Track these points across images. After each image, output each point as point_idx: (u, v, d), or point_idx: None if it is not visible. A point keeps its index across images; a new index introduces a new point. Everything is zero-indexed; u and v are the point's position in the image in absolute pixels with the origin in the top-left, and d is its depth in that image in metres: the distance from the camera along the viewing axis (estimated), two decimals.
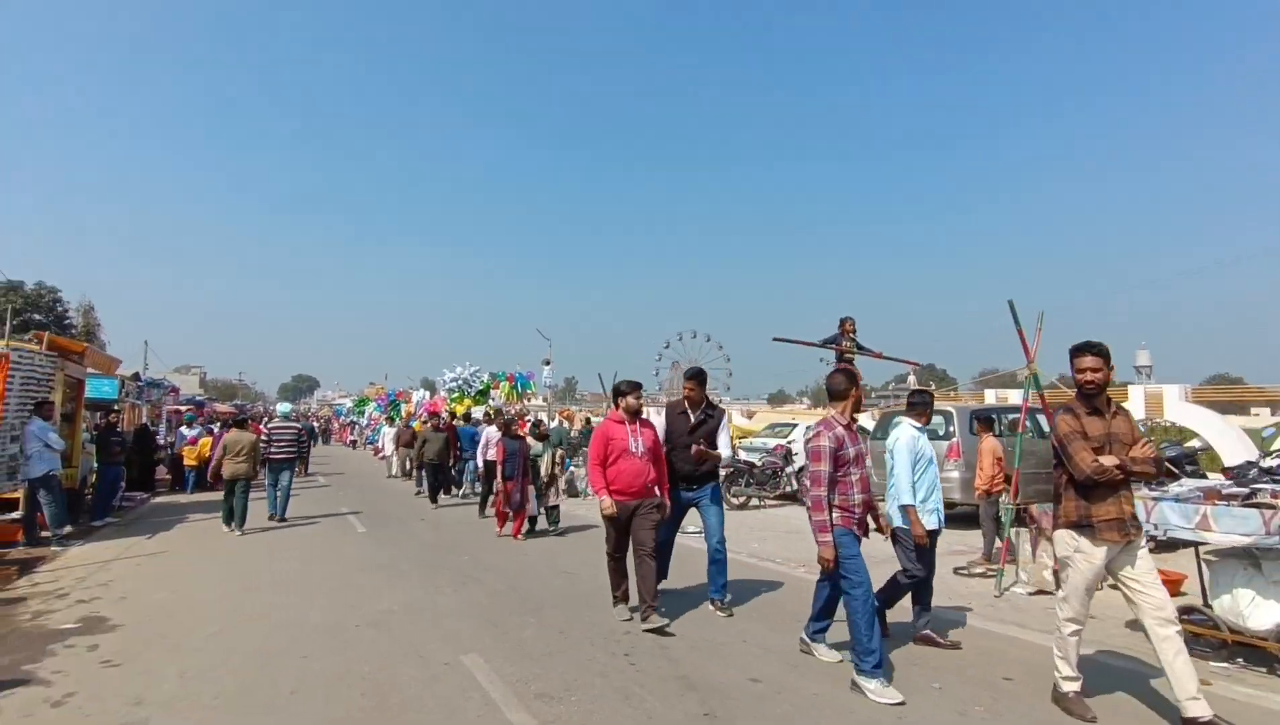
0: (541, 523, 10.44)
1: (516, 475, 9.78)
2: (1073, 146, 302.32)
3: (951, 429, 10.97)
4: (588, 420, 23.22)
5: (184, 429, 15.25)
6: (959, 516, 11.32)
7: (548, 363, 31.35)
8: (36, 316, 32.68)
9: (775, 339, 13.94)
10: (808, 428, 11.95)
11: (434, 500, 13.89)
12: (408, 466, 17.20)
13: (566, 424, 27.29)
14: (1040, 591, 6.94)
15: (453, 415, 17.47)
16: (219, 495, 11.20)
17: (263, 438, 11.54)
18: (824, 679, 4.48)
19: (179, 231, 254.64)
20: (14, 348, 9.60)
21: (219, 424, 18.18)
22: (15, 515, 9.64)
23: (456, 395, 21.40)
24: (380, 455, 19.32)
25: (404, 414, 30.54)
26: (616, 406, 5.94)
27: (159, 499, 14.92)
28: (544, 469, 10.29)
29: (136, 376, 17.52)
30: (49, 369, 10.59)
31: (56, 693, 4.30)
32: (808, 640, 4.93)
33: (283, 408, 14.28)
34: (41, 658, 4.97)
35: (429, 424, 14.57)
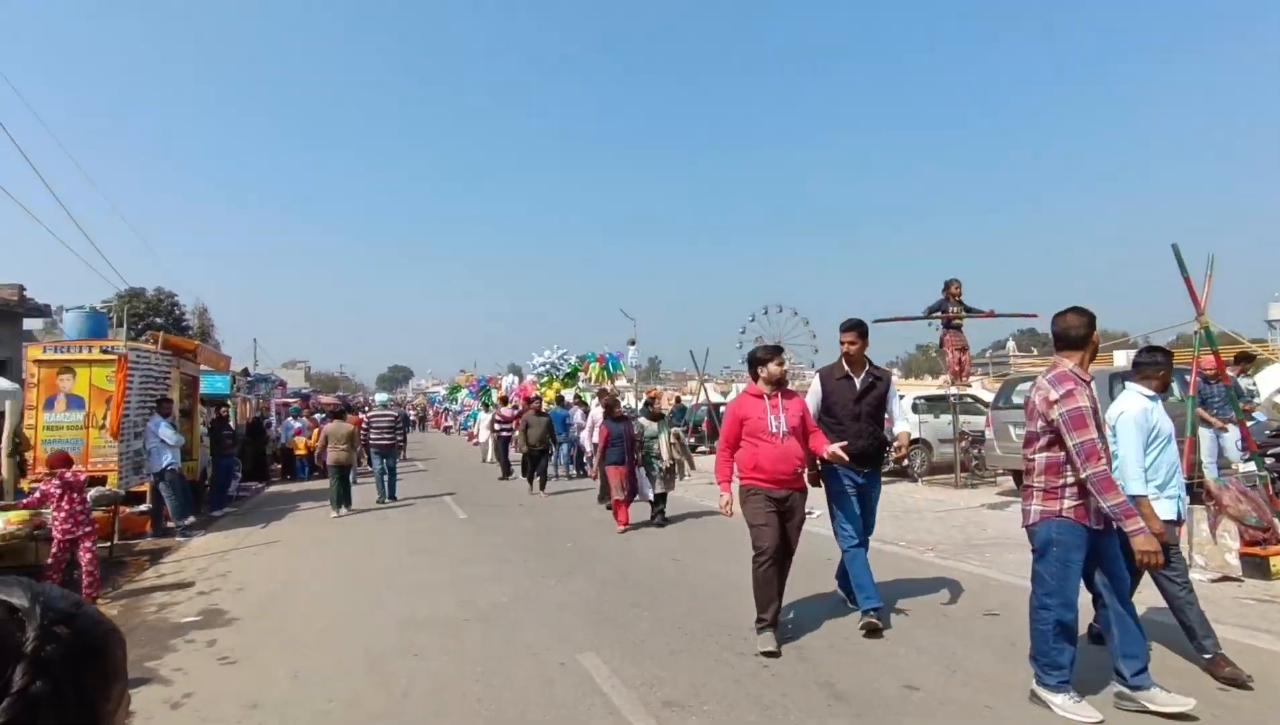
0: (643, 513, 9.42)
1: (625, 461, 9.11)
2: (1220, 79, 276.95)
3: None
4: (678, 399, 22.85)
5: (290, 421, 15.79)
6: None
7: (633, 343, 31.15)
8: (157, 320, 35.08)
9: (877, 321, 13.02)
10: (1019, 387, 10.93)
11: (540, 487, 12.75)
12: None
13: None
14: (1224, 578, 5.99)
15: (535, 399, 17.35)
16: (327, 483, 11.54)
17: (362, 426, 12.28)
18: (993, 689, 3.85)
19: (283, 236, 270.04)
20: (132, 348, 9.97)
21: (323, 415, 18.98)
22: (143, 507, 10.08)
23: (545, 379, 21.38)
24: (475, 441, 19.55)
25: (496, 399, 31.21)
26: (755, 377, 4.84)
27: (272, 488, 15.54)
28: (664, 453, 9.32)
29: (246, 372, 18.34)
30: (165, 368, 11.01)
31: (176, 693, 4.22)
32: (1129, 692, 3.47)
33: (380, 397, 15.30)
34: (163, 654, 4.96)
35: (530, 408, 14.14)
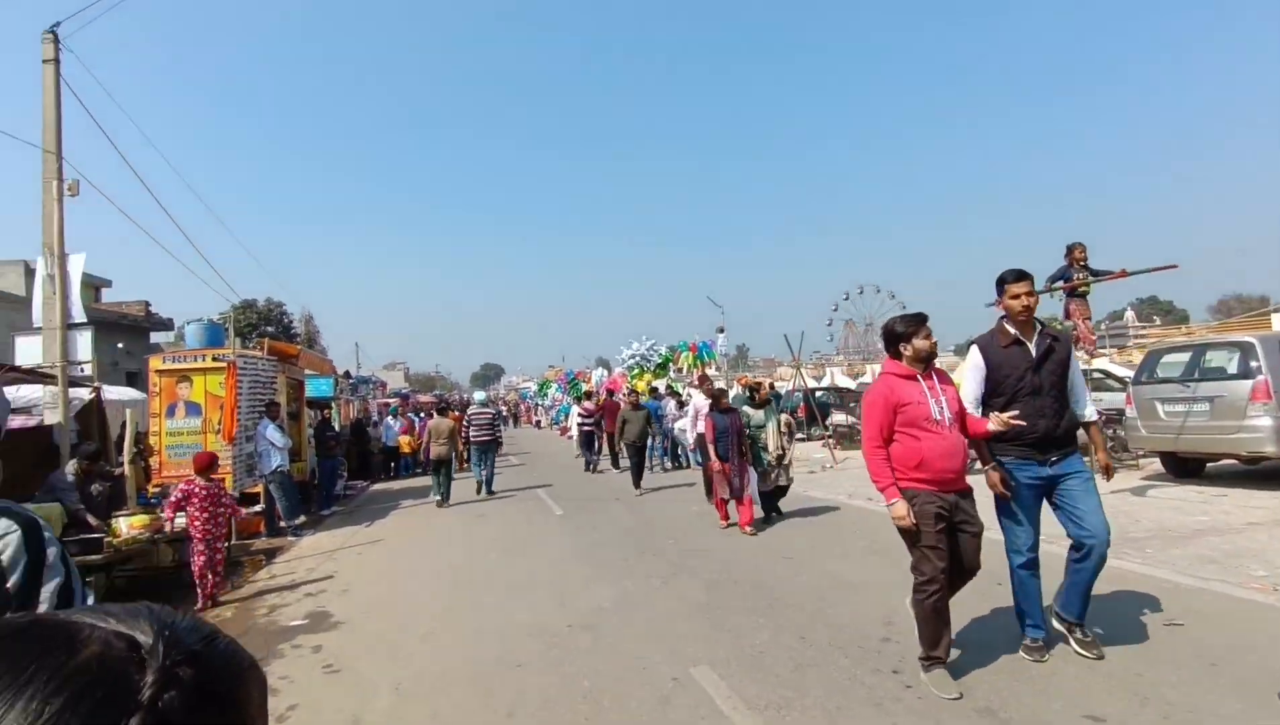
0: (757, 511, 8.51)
1: (732, 455, 8.19)
2: None
3: (1255, 364, 8.58)
4: (771, 386, 22.17)
5: (390, 420, 16.17)
6: (1267, 473, 8.99)
7: (721, 331, 30.49)
8: (268, 328, 37.21)
9: (988, 306, 11.96)
10: (1164, 359, 9.91)
11: (637, 485, 12.01)
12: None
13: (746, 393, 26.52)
14: None
15: (631, 392, 17.11)
16: (427, 480, 11.74)
17: (463, 423, 13.08)
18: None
19: (381, 247, 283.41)
20: (240, 355, 10.32)
21: (418, 416, 19.57)
22: (257, 508, 10.44)
23: (636, 371, 21.12)
24: (567, 434, 19.57)
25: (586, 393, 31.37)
26: (897, 355, 3.90)
27: (376, 486, 15.98)
28: (771, 443, 8.46)
29: (348, 374, 19.01)
30: (271, 372, 11.37)
31: (280, 704, 4.10)
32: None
33: (479, 396, 15.54)
34: (271, 660, 4.90)
35: (628, 402, 13.68)
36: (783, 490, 8.75)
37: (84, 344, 9.19)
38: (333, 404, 16.30)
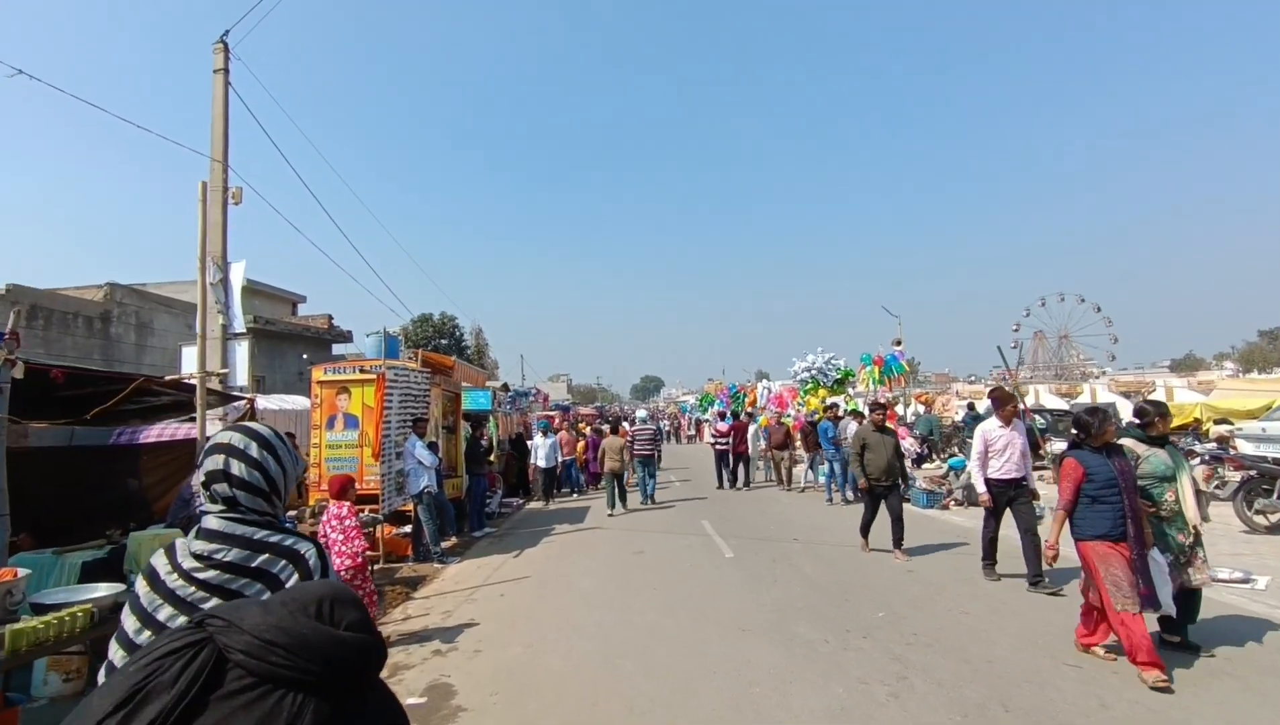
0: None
1: (1129, 530, 4.58)
2: None
3: None
4: (971, 406, 19.09)
5: (538, 438, 15.28)
6: None
7: (898, 343, 27.45)
8: (442, 341, 39.09)
9: None
10: None
11: (865, 534, 8.88)
12: (781, 473, 15.54)
13: (925, 410, 23.27)
14: None
15: (877, 408, 15.16)
16: (583, 503, 10.69)
17: (628, 439, 13.70)
18: None
19: (549, 262, 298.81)
20: (390, 367, 9.77)
21: (580, 427, 18.90)
22: (406, 529, 9.83)
23: (810, 386, 19.04)
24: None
25: (714, 413, 29.38)
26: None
27: (533, 504, 15.23)
28: (1189, 510, 4.87)
29: (506, 387, 18.68)
30: (424, 385, 10.81)
31: None
32: None
33: (640, 413, 17.81)
34: None
35: (866, 422, 9.81)
36: (1195, 598, 4.93)
37: (241, 354, 8.95)
38: (491, 417, 15.85)
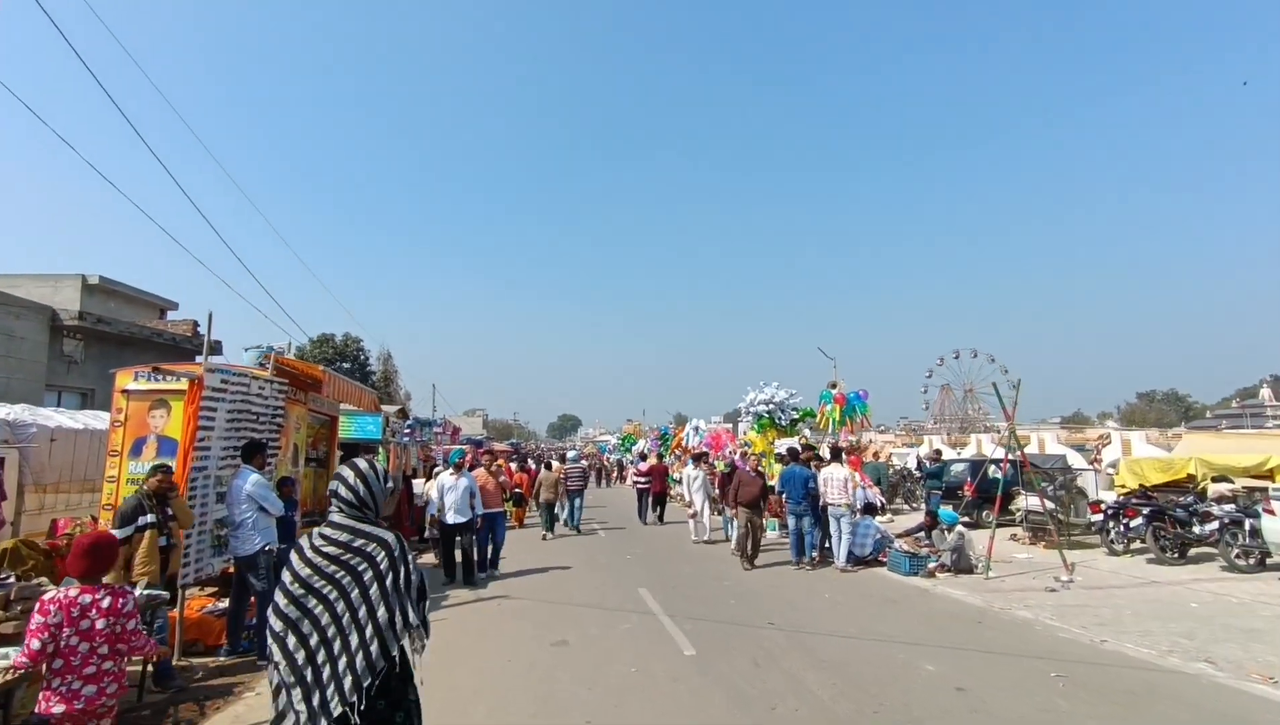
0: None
1: None
2: None
3: None
4: (938, 453, 17.51)
5: (442, 477, 11.82)
6: None
7: (834, 386, 26.01)
8: (345, 364, 35.28)
9: None
10: None
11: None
12: (747, 545, 12.23)
13: (872, 457, 21.58)
14: None
15: (667, 457, 12.96)
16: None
17: (563, 474, 15.36)
18: None
19: (462, 294, 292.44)
20: (215, 371, 6.92)
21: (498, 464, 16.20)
22: (220, 607, 6.86)
23: (765, 421, 16.90)
24: (691, 512, 13.92)
25: (636, 453, 27.08)
26: None
27: (425, 558, 12.22)
28: None
29: (404, 412, 15.74)
30: (275, 401, 7.94)
31: None
32: None
33: (571, 453, 18.47)
34: None
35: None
36: None
37: None
38: (381, 449, 12.89)
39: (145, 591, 5.29)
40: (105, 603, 3.59)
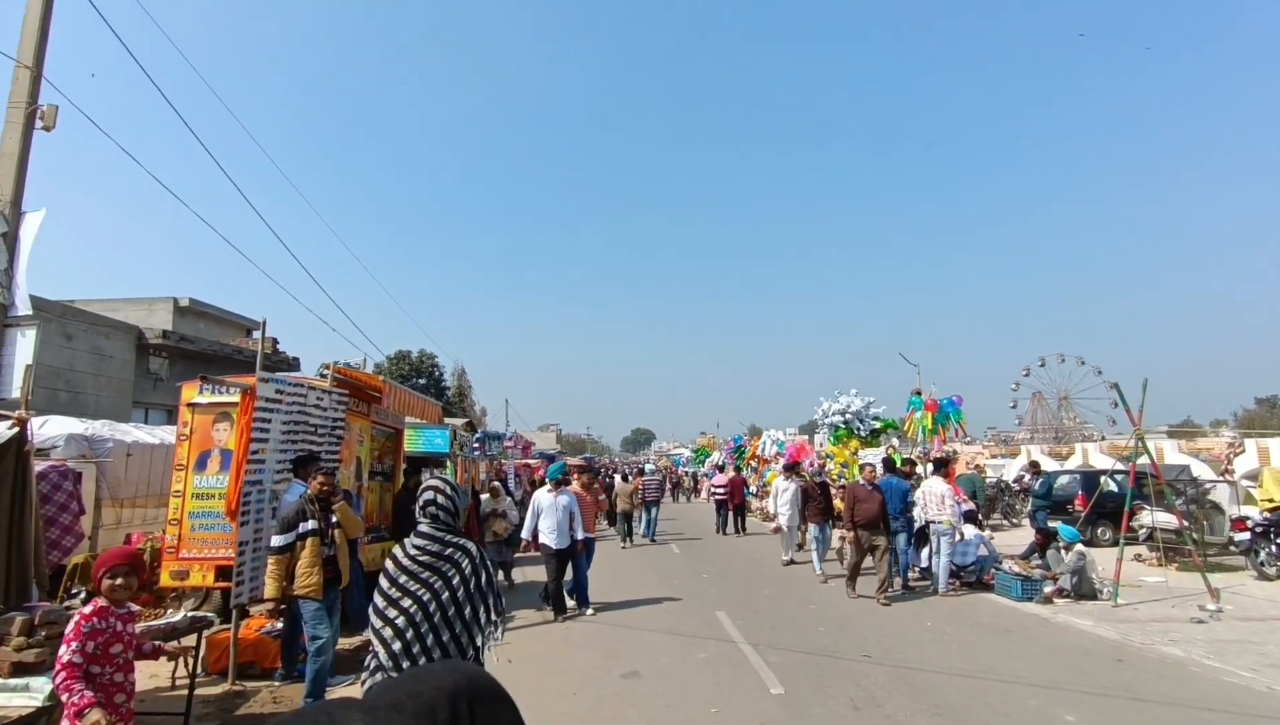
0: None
1: None
2: None
3: None
4: (1035, 465, 15.94)
5: (539, 497, 11.01)
6: None
7: (918, 393, 24.52)
8: (420, 380, 35.96)
9: None
10: None
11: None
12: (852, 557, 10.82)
13: (966, 468, 20.00)
14: None
15: (744, 470, 11.96)
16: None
17: (640, 487, 16.03)
18: None
19: (538, 313, 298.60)
20: (269, 380, 6.65)
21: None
22: (275, 628, 6.55)
23: (841, 432, 15.91)
24: (776, 526, 12.62)
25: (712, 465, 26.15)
26: None
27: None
28: None
29: (471, 426, 15.52)
30: (336, 413, 7.67)
31: None
32: None
33: (649, 467, 19.07)
34: None
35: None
36: None
37: (24, 348, 5.81)
38: (448, 463, 12.64)
39: (190, 614, 4.97)
40: (119, 625, 3.28)
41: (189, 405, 7.46)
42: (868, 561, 9.21)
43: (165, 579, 7.05)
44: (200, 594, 9.07)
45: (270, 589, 5.17)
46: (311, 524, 5.40)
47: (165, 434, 10.24)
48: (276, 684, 6.00)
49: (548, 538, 8.46)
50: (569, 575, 8.66)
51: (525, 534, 8.76)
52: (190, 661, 5.06)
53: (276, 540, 5.24)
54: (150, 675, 5.80)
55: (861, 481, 9.55)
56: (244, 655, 6.26)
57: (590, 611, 8.50)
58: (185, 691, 5.03)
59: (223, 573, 6.41)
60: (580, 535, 8.69)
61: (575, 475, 10.15)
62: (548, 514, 8.55)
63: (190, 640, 5.05)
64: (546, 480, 9.29)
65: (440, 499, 3.07)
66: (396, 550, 3.02)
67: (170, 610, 5.00)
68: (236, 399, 6.87)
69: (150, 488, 9.78)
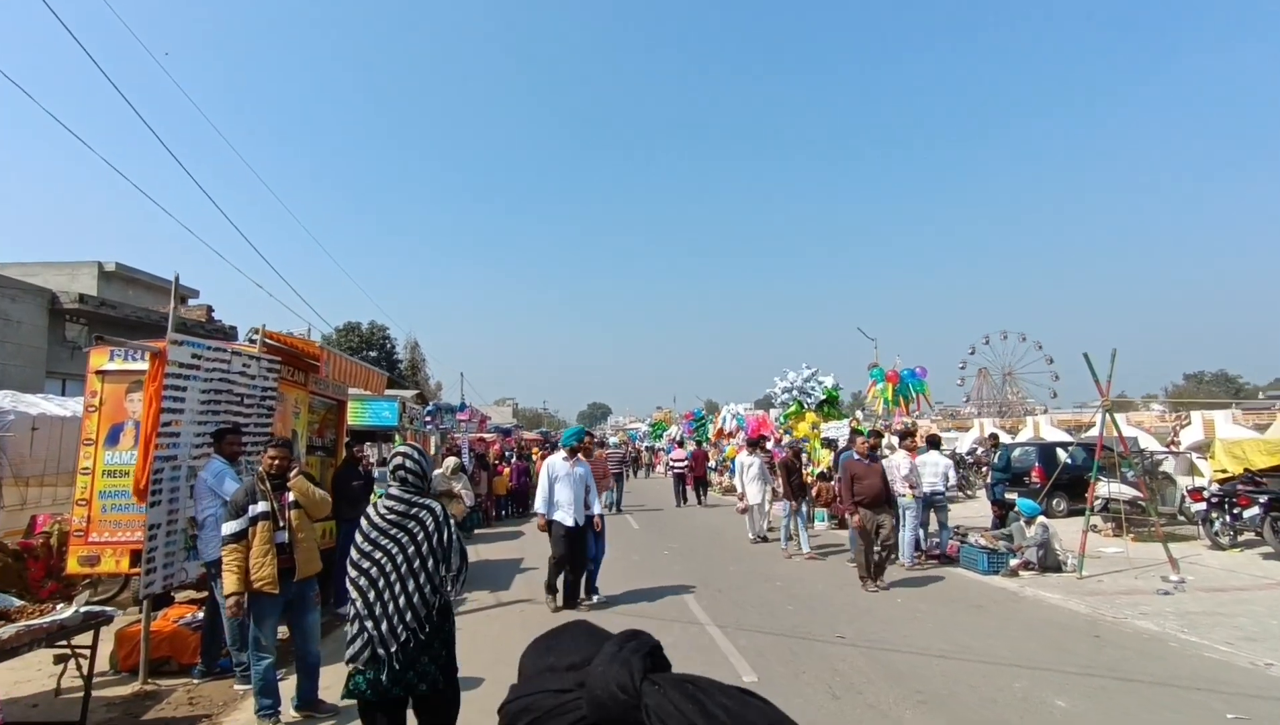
0: None
1: None
2: None
3: None
4: (995, 437, 15.93)
5: (554, 463, 9.72)
6: None
7: (878, 366, 24.56)
8: (371, 353, 34.67)
9: None
10: None
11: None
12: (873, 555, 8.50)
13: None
14: None
15: (704, 444, 11.68)
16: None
17: (605, 458, 12.75)
18: None
19: (489, 287, 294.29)
20: (181, 342, 5.91)
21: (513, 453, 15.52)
22: (193, 619, 5.91)
23: (793, 408, 15.66)
24: (743, 505, 11.69)
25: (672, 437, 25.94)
26: None
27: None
28: None
29: (422, 398, 14.80)
30: (263, 381, 6.94)
31: None
32: None
33: (613, 440, 21.63)
34: None
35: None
36: None
37: None
38: (396, 436, 11.96)
39: (84, 608, 4.31)
40: None
41: (98, 373, 6.73)
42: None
43: (73, 565, 6.38)
44: (119, 581, 8.38)
45: (228, 582, 4.48)
46: (262, 506, 4.67)
47: (78, 406, 9.31)
48: (195, 681, 5.38)
49: (562, 512, 7.37)
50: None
51: (540, 507, 7.53)
52: (83, 663, 4.40)
53: (227, 528, 4.57)
54: (50, 675, 5.13)
55: (856, 455, 8.50)
56: (159, 650, 5.62)
57: (598, 598, 7.66)
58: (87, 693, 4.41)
59: (138, 558, 5.74)
60: (597, 510, 7.73)
61: (589, 441, 8.87)
62: (563, 485, 7.43)
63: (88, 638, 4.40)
64: (560, 446, 8.18)
65: (409, 464, 3.43)
66: (370, 509, 3.42)
67: (60, 605, 4.31)
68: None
69: (61, 464, 8.90)
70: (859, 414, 15.65)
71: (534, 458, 18.58)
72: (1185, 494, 12.49)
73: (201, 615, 5.86)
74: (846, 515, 8.54)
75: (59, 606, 4.31)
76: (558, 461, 7.61)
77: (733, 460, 21.90)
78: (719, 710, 0.57)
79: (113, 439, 6.60)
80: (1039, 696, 4.57)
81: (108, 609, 4.62)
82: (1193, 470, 15.42)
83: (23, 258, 19.85)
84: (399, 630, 3.10)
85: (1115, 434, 9.58)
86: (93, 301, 13.42)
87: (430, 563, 3.21)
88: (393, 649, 3.09)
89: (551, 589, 7.49)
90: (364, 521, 3.34)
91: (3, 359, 11.66)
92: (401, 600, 3.13)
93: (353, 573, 3.24)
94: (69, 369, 13.21)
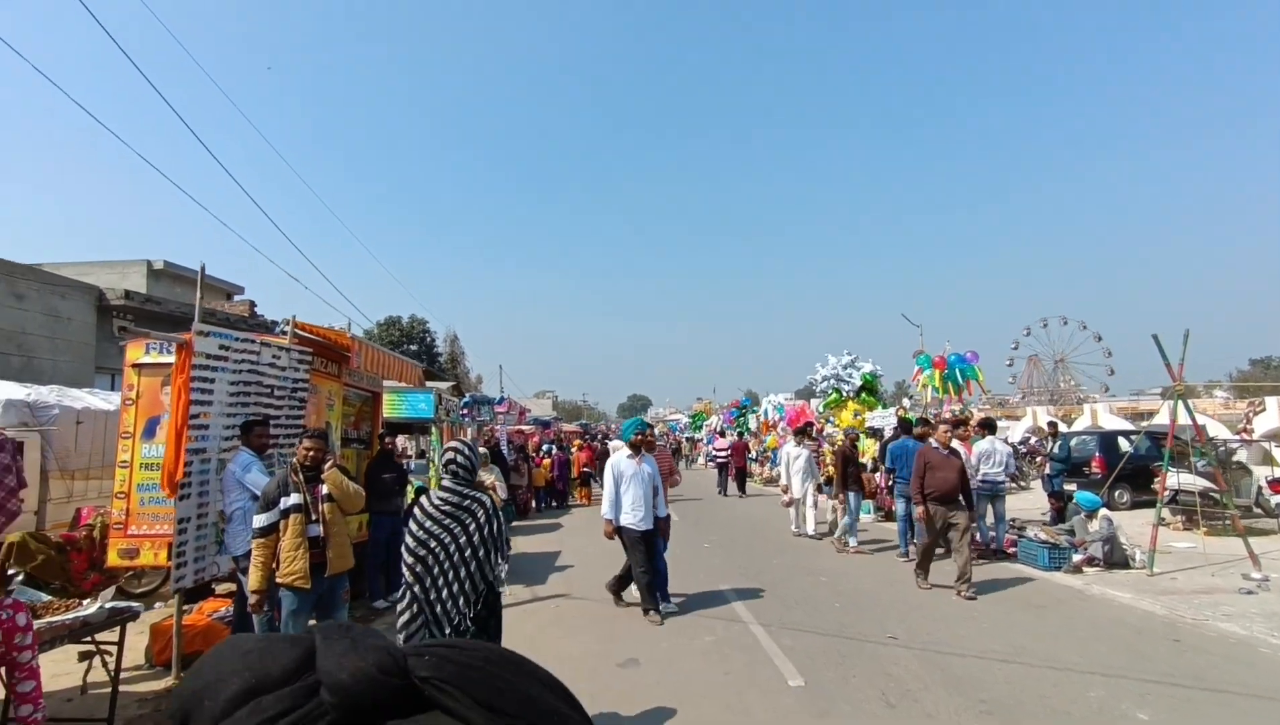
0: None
1: None
2: None
3: None
4: (1053, 425, 15.16)
5: (617, 459, 9.06)
6: None
7: (924, 352, 23.77)
8: (411, 347, 35.06)
9: None
10: None
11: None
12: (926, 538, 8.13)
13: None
14: None
15: (745, 434, 11.24)
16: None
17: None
18: None
19: (531, 283, 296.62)
20: (211, 334, 5.83)
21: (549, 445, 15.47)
22: (225, 614, 5.85)
23: (833, 397, 15.20)
24: (788, 498, 11.35)
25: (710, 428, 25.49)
26: None
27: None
28: None
29: (458, 390, 14.75)
30: (294, 373, 6.85)
31: None
32: None
33: (658, 430, 17.69)
34: None
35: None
36: None
37: None
38: (432, 428, 11.89)
39: (109, 604, 4.23)
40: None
41: (134, 366, 6.75)
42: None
43: (113, 558, 6.38)
44: (162, 573, 8.44)
45: (254, 578, 4.39)
46: (295, 498, 4.52)
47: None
48: None
49: (631, 517, 6.61)
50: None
51: (607, 513, 6.76)
52: (110, 659, 4.32)
53: (258, 521, 4.47)
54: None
55: (935, 444, 7.81)
56: (192, 644, 5.56)
57: (674, 605, 6.90)
58: (124, 689, 4.35)
59: None
60: (664, 511, 7.00)
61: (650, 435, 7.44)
62: (630, 485, 6.66)
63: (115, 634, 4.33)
64: (619, 439, 7.47)
65: (460, 458, 3.74)
66: (423, 500, 3.70)
67: (87, 601, 4.24)
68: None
69: (106, 458, 8.99)
70: (905, 402, 15.02)
71: (572, 450, 18.47)
72: (1262, 485, 11.72)
73: (227, 612, 5.81)
74: (914, 507, 7.99)
75: (84, 603, 4.24)
76: (623, 459, 6.85)
77: (774, 451, 21.52)
78: (480, 662, 0.57)
79: (149, 432, 6.56)
80: (1118, 708, 4.16)
81: (134, 605, 4.53)
82: (1268, 459, 14.52)
83: (79, 257, 20.50)
84: (452, 613, 3.44)
85: (1189, 421, 8.92)
86: (138, 297, 13.67)
87: (481, 551, 3.56)
88: (446, 631, 3.39)
89: (620, 599, 7.05)
90: (418, 511, 3.63)
91: (53, 355, 11.93)
92: (456, 586, 3.47)
93: (409, 558, 3.56)
94: (117, 364, 13.44)
